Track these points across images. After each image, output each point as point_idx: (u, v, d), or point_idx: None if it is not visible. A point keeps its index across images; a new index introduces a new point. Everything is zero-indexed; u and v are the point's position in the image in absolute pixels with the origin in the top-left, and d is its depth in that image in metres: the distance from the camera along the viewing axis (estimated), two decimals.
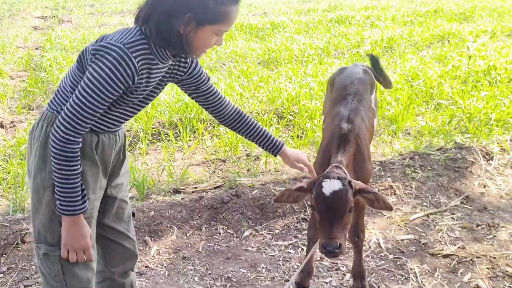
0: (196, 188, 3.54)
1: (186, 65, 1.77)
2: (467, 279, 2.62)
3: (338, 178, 1.85)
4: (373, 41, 7.89)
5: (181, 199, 3.28)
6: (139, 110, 1.75)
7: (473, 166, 3.71)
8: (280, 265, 2.73)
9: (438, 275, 2.65)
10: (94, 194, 1.68)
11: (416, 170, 3.60)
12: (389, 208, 1.90)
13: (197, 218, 3.12)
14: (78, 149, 1.52)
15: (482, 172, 3.68)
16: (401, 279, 2.62)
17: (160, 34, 1.52)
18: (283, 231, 3.04)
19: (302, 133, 4.33)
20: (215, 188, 3.52)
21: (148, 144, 4.27)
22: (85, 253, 1.61)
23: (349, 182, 1.87)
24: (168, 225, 3.05)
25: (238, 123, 1.93)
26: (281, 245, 2.91)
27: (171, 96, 4.95)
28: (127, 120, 1.74)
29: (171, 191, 3.49)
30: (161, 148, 4.22)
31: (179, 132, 4.38)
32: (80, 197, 1.55)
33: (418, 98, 5.04)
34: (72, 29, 10.42)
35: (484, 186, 3.53)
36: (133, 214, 2.01)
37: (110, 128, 1.69)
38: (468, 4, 12.96)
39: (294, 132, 4.32)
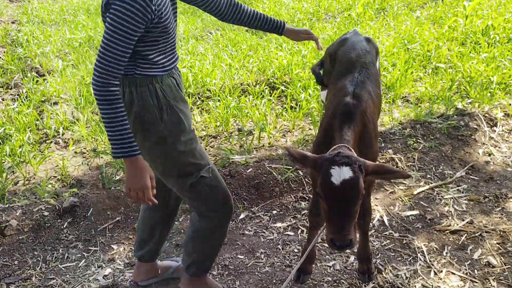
0: None
1: None
2: (478, 256, 2.49)
3: (348, 164, 1.63)
4: (364, 2, 7.56)
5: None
6: (175, 36, 1.81)
7: (476, 134, 3.54)
8: (280, 249, 2.58)
9: (446, 253, 2.51)
10: (191, 126, 1.88)
11: (418, 140, 3.42)
12: (405, 176, 1.71)
13: None
14: (118, 92, 1.59)
15: (486, 139, 3.51)
16: (409, 259, 2.47)
17: None
18: (281, 212, 2.87)
19: (296, 105, 4.11)
20: None
21: None
22: (145, 192, 1.68)
23: (359, 166, 1.65)
24: None
25: (238, 15, 2.04)
26: (280, 227, 2.74)
27: None
28: (175, 51, 1.85)
29: None
30: None
31: None
32: (131, 139, 1.62)
33: (415, 62, 4.81)
34: (50, 0, 9.91)
35: (489, 155, 3.37)
36: None
37: (174, 63, 1.84)
38: None
39: (287, 103, 4.10)
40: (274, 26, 2.11)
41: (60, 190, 3.10)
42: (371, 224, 2.70)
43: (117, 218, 2.80)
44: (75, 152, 3.68)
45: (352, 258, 2.49)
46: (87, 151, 3.62)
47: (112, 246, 2.63)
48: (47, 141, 3.79)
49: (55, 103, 4.29)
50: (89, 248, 2.62)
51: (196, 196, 1.90)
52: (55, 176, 3.33)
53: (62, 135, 3.86)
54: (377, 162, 2.00)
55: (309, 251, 2.03)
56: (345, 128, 1.88)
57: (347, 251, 2.50)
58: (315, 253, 2.37)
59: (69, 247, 2.62)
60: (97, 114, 4.10)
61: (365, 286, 2.30)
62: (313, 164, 1.72)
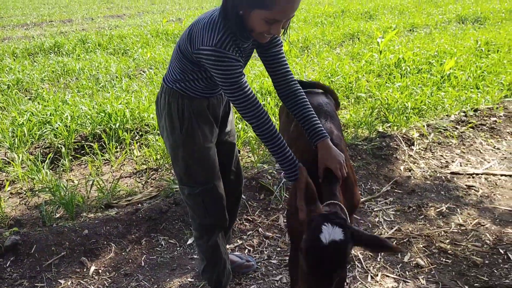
0: (130, 200, 3.37)
1: None
2: (407, 259, 2.75)
3: (342, 226, 1.47)
4: (290, 41, 8.08)
5: (115, 213, 3.11)
6: None
7: (397, 152, 3.92)
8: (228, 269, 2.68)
9: (380, 258, 2.75)
10: (212, 142, 2.07)
11: None
12: (399, 251, 1.58)
13: (135, 232, 2.97)
14: (273, 125, 1.78)
15: (406, 157, 3.90)
16: (348, 267, 2.68)
17: (227, 17, 1.67)
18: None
19: None
20: (151, 198, 3.38)
21: (71, 160, 4.00)
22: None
23: (352, 233, 1.48)
24: (105, 243, 2.87)
25: (292, 101, 1.98)
26: (227, 249, 2.85)
27: (92, 106, 4.69)
28: None
29: (103, 206, 3.29)
30: (86, 163, 3.98)
31: (105, 144, 4.16)
32: (296, 162, 1.79)
33: (339, 92, 5.23)
34: None
35: (410, 170, 3.75)
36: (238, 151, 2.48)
37: (216, 92, 2.01)
38: (371, 4, 13.77)
39: None
40: (312, 133, 1.91)
41: None
42: None
43: (62, 253, 2.77)
44: (11, 193, 3.58)
45: None
46: (24, 191, 3.54)
47: (60, 281, 2.60)
48: None
49: None
50: (35, 284, 2.56)
51: (190, 203, 2.13)
52: None
53: None
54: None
55: None
56: (333, 182, 1.78)
57: None
58: None
59: (14, 285, 2.55)
60: (32, 154, 4.03)
61: None
62: (307, 214, 1.60)
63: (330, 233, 1.44)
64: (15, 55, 8.03)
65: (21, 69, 6.72)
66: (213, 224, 2.16)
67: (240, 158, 4.10)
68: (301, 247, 1.50)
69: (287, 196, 3.27)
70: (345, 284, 2.38)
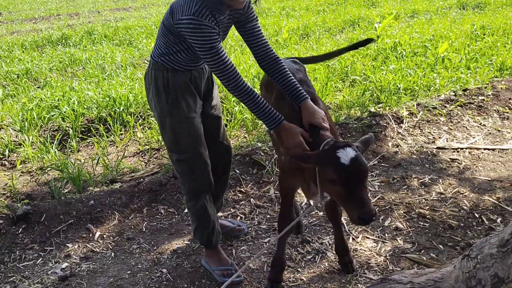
0: (133, 176, 3.61)
1: (243, 8, 2.12)
2: (388, 223, 2.96)
3: (348, 145, 1.80)
4: (290, 29, 8.27)
5: (119, 186, 3.36)
6: None
7: (386, 130, 4.11)
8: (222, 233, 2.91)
9: None
10: (196, 113, 2.26)
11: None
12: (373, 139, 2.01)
13: (137, 202, 3.21)
14: (247, 85, 2.01)
15: (395, 134, 4.10)
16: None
17: None
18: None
19: (231, 116, 4.52)
20: (152, 174, 3.62)
21: (78, 141, 4.26)
22: (300, 147, 2.02)
23: (357, 146, 1.84)
24: (109, 212, 3.12)
25: (271, 69, 2.20)
26: (221, 216, 3.09)
27: (97, 92, 4.93)
28: None
29: (108, 181, 3.54)
30: (92, 144, 4.23)
31: (110, 127, 4.40)
32: (273, 111, 2.02)
33: (334, 76, 5.42)
34: None
35: (397, 146, 3.94)
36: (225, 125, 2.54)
37: (197, 65, 2.21)
38: None
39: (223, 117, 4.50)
40: (294, 96, 2.15)
41: (11, 204, 3.27)
42: (299, 206, 3.11)
43: (70, 221, 3.02)
44: (22, 172, 3.84)
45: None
46: (34, 169, 3.80)
47: (67, 244, 2.86)
48: None
49: (0, 129, 4.43)
50: (45, 248, 2.82)
51: (178, 170, 2.35)
52: (4, 194, 3.49)
53: (8, 157, 4.01)
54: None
55: (280, 254, 2.33)
56: (322, 131, 2.07)
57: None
58: (285, 263, 2.46)
59: (26, 249, 2.81)
60: (41, 136, 4.29)
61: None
62: (317, 159, 1.87)
63: (346, 154, 1.77)
64: (24, 47, 8.31)
65: (30, 60, 6.99)
66: (200, 188, 2.38)
67: (236, 138, 4.35)
68: (331, 178, 1.79)
69: (278, 170, 3.48)
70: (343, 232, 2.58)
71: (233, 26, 2.24)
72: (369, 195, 1.87)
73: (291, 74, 2.18)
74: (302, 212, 2.91)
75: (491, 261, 1.47)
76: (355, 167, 1.76)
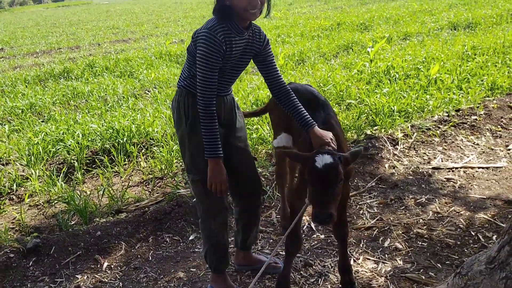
0: (137, 206, 3.72)
1: (261, 41, 2.37)
2: (387, 244, 3.05)
3: (329, 153, 2.05)
4: (285, 55, 8.47)
5: (125, 216, 3.46)
6: (234, 77, 2.40)
7: (382, 152, 4.23)
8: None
9: (363, 244, 3.06)
10: None
11: None
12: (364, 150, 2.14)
13: (143, 231, 3.31)
14: (214, 110, 2.19)
15: (391, 156, 4.21)
16: (333, 253, 2.99)
17: (219, 9, 2.17)
18: None
19: None
20: (156, 203, 3.72)
21: (84, 173, 4.37)
22: (222, 186, 2.26)
23: (339, 157, 2.06)
24: (116, 242, 3.21)
25: (283, 99, 2.42)
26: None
27: (101, 124, 5.08)
28: (227, 86, 2.39)
29: (114, 212, 3.64)
30: (97, 176, 4.35)
31: (114, 158, 4.53)
32: (219, 146, 2.21)
33: (330, 100, 5.57)
34: None
35: (394, 167, 4.06)
36: (255, 159, 2.72)
37: (221, 92, 2.36)
38: (367, 15, 14.18)
39: None
40: (302, 123, 2.34)
41: (20, 237, 3.36)
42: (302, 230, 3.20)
43: (78, 253, 3.11)
44: (30, 205, 3.95)
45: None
46: (42, 203, 3.91)
47: (77, 276, 2.94)
48: (1, 198, 4.04)
49: (7, 163, 4.55)
50: (55, 280, 2.91)
51: (195, 190, 2.48)
52: (13, 227, 3.59)
53: (16, 191, 4.12)
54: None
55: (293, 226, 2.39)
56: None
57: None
58: (290, 283, 2.59)
59: (37, 281, 2.89)
60: (47, 170, 4.41)
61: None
62: (303, 159, 2.15)
63: (322, 160, 2.03)
64: (27, 81, 8.51)
65: (33, 94, 7.17)
66: (213, 209, 2.45)
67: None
68: (306, 177, 2.08)
69: (279, 194, 3.57)
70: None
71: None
72: (335, 200, 2.04)
73: (300, 104, 2.39)
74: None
75: (480, 278, 1.57)
76: (325, 171, 2.01)
